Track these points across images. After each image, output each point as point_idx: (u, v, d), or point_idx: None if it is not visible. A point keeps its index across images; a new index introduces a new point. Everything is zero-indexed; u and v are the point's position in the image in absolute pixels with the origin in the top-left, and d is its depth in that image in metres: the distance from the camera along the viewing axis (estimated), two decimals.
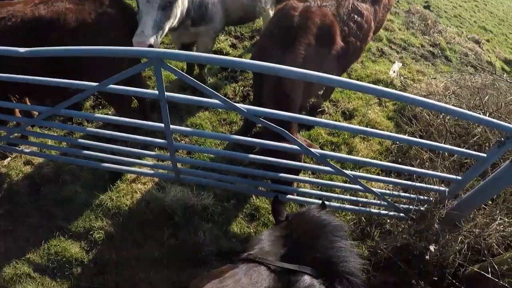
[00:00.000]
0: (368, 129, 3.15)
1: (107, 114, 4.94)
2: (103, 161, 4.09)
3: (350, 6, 4.17)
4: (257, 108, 3.00)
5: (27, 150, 4.43)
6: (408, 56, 7.55)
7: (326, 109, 5.54)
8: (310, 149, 3.20)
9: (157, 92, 3.00)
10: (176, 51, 2.87)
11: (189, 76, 2.87)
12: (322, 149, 4.84)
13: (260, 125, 3.36)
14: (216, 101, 2.96)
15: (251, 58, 4.24)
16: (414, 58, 7.57)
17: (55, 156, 4.35)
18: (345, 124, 3.06)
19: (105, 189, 4.26)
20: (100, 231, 3.96)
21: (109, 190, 4.25)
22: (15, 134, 4.29)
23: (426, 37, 8.48)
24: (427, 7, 10.15)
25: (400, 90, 5.98)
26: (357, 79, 6.30)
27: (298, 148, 3.19)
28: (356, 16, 4.20)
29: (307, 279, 2.06)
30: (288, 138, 3.08)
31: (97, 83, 3.00)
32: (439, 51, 8.15)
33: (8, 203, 4.20)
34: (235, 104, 2.92)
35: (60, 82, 3.10)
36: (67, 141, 4.36)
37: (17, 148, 4.52)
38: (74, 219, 4.06)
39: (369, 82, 6.11)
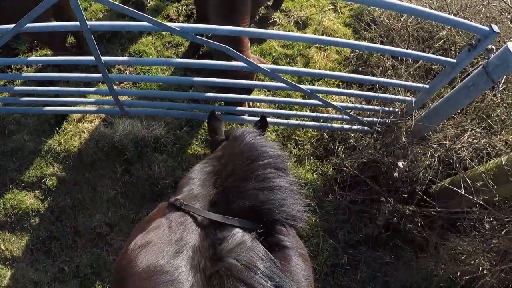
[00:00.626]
0: (324, 37, 2.90)
1: (46, 55, 4.50)
2: (47, 105, 3.84)
3: None
4: (194, 26, 2.78)
5: None
6: None
7: (278, 20, 5.17)
8: (260, 65, 2.97)
9: (78, 23, 2.65)
10: None
11: (113, 2, 2.52)
12: (276, 63, 4.65)
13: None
14: (145, 23, 2.65)
15: None
16: None
17: None
18: (298, 34, 2.76)
19: (52, 133, 4.04)
20: (53, 178, 3.81)
21: (56, 134, 4.04)
22: None
23: None
24: None
25: None
26: None
27: (246, 65, 2.95)
28: None
29: (237, 234, 1.70)
30: (235, 56, 2.84)
31: (13, 25, 2.64)
32: None
33: None
34: (167, 24, 2.63)
35: None
36: (7, 91, 4.08)
37: None
38: (25, 169, 3.90)
39: None
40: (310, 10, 5.36)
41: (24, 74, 3.63)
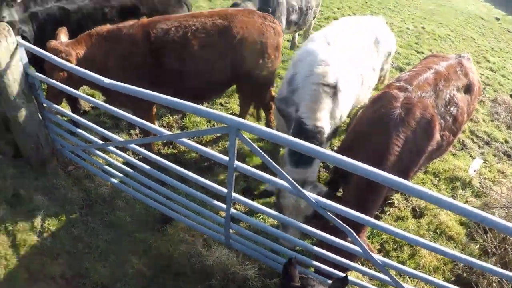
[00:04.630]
0: (431, 244, 2.83)
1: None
2: (158, 201, 4.12)
3: (447, 96, 4.08)
4: (327, 202, 2.87)
5: (90, 166, 4.59)
6: (490, 153, 6.99)
7: (396, 202, 5.20)
8: (373, 255, 3.00)
9: (227, 158, 2.96)
10: (254, 124, 2.78)
11: (262, 152, 2.81)
12: (383, 245, 4.64)
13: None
14: (285, 183, 2.84)
15: (342, 142, 4.16)
16: (496, 155, 6.98)
17: (114, 182, 4.45)
18: (410, 235, 2.77)
19: (153, 228, 4.28)
20: (134, 265, 3.97)
21: (156, 230, 4.25)
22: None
23: None
24: None
25: (478, 193, 5.75)
26: (434, 173, 6.01)
27: (359, 250, 3.00)
28: (452, 108, 4.10)
29: None
30: (353, 240, 2.92)
31: (170, 133, 3.04)
32: None
33: (59, 207, 4.40)
34: (304, 191, 2.78)
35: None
36: (129, 173, 4.33)
37: (82, 160, 4.69)
38: (115, 245, 4.13)
39: (445, 178, 5.94)
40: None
41: (154, 170, 3.96)
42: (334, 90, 3.97)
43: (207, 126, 6.00)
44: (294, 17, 6.96)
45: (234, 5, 5.94)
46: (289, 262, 2.77)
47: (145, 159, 3.87)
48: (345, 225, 2.85)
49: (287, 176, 2.79)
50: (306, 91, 3.94)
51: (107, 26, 4.35)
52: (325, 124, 3.90)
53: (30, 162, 4.75)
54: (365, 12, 12.94)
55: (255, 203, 3.31)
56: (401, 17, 13.39)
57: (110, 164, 4.39)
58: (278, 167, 2.78)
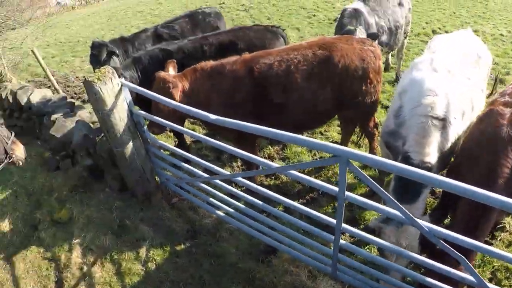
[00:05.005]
0: None
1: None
2: (263, 232, 4.16)
3: None
4: (440, 230, 2.75)
5: (194, 199, 4.77)
6: None
7: (507, 226, 4.85)
8: (487, 283, 2.80)
9: (337, 189, 2.95)
10: (365, 154, 2.75)
11: (373, 181, 2.76)
12: (495, 274, 4.34)
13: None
14: (397, 212, 2.78)
15: (451, 166, 4.03)
16: None
17: (219, 213, 4.58)
18: None
19: (257, 259, 4.32)
20: None
21: (261, 261, 4.29)
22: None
23: None
24: None
25: None
26: None
27: (473, 279, 2.82)
28: None
29: None
30: (467, 268, 2.75)
31: (279, 166, 3.08)
32: None
33: (164, 238, 4.60)
34: (417, 219, 2.70)
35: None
36: (233, 204, 4.42)
37: (186, 192, 4.88)
38: (218, 275, 4.20)
39: None
40: None
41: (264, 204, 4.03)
42: (443, 122, 3.77)
43: (309, 155, 6.05)
44: (384, 38, 6.91)
45: (347, 31, 5.90)
46: None
47: (249, 190, 3.95)
48: (458, 253, 2.72)
49: (399, 205, 2.72)
50: (414, 123, 3.78)
51: (211, 62, 4.56)
52: (433, 159, 3.71)
53: (135, 195, 5.04)
54: (455, 23, 12.42)
55: (365, 233, 3.25)
56: (493, 24, 12.60)
57: (213, 196, 4.51)
58: (390, 196, 2.73)
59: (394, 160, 3.89)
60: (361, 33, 5.93)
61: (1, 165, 3.66)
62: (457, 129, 3.91)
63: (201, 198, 4.75)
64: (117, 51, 5.79)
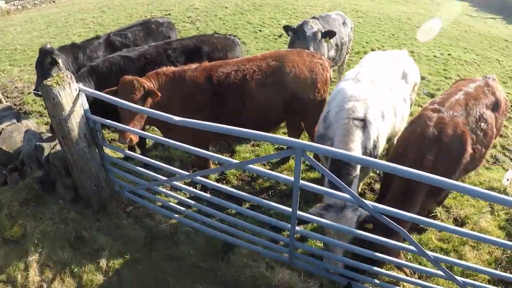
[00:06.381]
0: (481, 235, 3.14)
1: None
2: (220, 229, 4.41)
3: (477, 114, 4.56)
4: (382, 207, 3.18)
5: (151, 205, 4.93)
6: None
7: (438, 215, 5.55)
8: (426, 251, 3.32)
9: (292, 178, 3.26)
10: (319, 145, 3.13)
11: (326, 170, 3.12)
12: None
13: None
14: (346, 195, 3.14)
15: (388, 159, 4.59)
16: None
17: (175, 216, 4.77)
18: (461, 229, 3.11)
19: (216, 257, 4.52)
20: None
21: (220, 260, 4.50)
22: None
23: None
24: None
25: None
26: None
27: (414, 249, 3.30)
28: (482, 124, 4.57)
29: None
30: (407, 239, 3.25)
31: (237, 161, 3.36)
32: None
33: (122, 246, 4.65)
34: (363, 200, 3.11)
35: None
36: (191, 205, 4.64)
37: (141, 199, 5.01)
38: (181, 277, 4.35)
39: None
40: (469, 209, 5.68)
41: (220, 200, 4.20)
42: (363, 122, 4.32)
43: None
44: (332, 53, 7.56)
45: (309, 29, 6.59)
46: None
47: (204, 188, 4.16)
48: (400, 226, 3.17)
49: (348, 188, 3.11)
50: (338, 125, 4.30)
51: (172, 68, 4.88)
52: (357, 154, 4.18)
53: (90, 204, 5.05)
54: (393, 44, 13.52)
55: (319, 218, 3.59)
56: (427, 46, 13.85)
57: (168, 198, 4.71)
58: (340, 181, 3.09)
59: (326, 161, 4.49)
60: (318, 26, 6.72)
61: None
62: (378, 128, 4.47)
63: (158, 204, 4.93)
64: (60, 60, 5.76)
